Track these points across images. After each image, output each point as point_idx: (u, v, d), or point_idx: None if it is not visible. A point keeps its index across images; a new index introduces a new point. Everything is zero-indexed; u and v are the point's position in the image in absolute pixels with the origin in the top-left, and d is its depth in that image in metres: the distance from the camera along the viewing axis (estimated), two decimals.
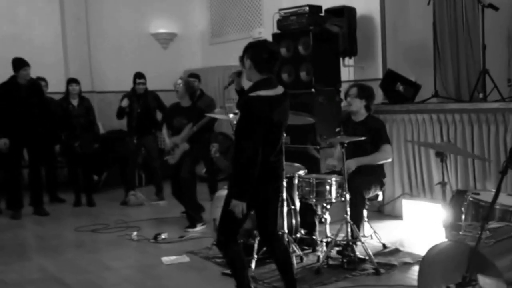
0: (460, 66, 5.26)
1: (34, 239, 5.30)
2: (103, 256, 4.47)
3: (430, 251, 2.76)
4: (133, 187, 6.80)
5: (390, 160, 4.44)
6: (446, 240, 3.26)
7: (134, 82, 6.59)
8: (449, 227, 3.48)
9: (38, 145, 6.13)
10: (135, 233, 5.02)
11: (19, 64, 5.89)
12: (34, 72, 6.17)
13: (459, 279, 2.50)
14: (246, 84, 3.14)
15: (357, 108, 4.34)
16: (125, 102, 6.49)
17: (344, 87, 5.71)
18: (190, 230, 5.12)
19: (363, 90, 4.37)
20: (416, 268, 3.70)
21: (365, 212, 4.22)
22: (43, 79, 6.73)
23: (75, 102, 6.55)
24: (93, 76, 8.10)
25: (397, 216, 5.32)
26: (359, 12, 5.92)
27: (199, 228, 5.16)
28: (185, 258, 4.26)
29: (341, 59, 5.83)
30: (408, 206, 5.18)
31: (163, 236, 4.85)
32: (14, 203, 6.08)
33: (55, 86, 7.14)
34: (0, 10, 7.49)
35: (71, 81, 6.62)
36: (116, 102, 6.77)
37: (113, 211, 6.24)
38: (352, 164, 4.09)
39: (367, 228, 4.29)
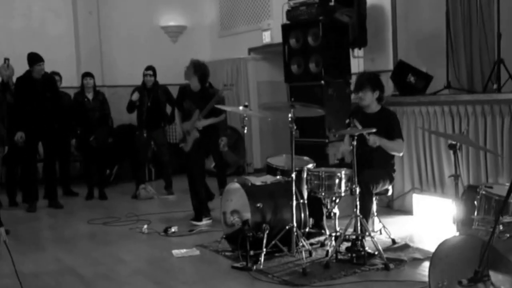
0: (474, 56, 5.11)
1: (49, 231, 5.38)
2: (115, 248, 4.51)
3: (442, 245, 2.69)
4: (143, 181, 6.79)
5: (400, 155, 4.32)
6: (458, 234, 3.19)
7: (144, 75, 6.58)
8: (461, 222, 3.40)
9: (53, 139, 6.19)
10: (145, 226, 5.02)
11: (34, 59, 5.93)
12: (47, 66, 6.20)
13: (471, 274, 2.43)
14: None
15: (369, 101, 4.20)
16: (135, 96, 6.49)
17: (354, 79, 5.64)
18: (195, 223, 5.08)
19: (375, 82, 4.19)
20: (426, 264, 3.63)
21: (374, 207, 4.14)
22: (58, 74, 6.78)
23: (90, 96, 6.58)
24: (104, 70, 8.11)
25: (406, 211, 5.23)
26: (369, 1, 5.79)
27: (204, 222, 5.11)
28: (195, 252, 4.26)
29: (350, 50, 5.73)
30: (418, 201, 5.09)
31: (173, 229, 4.85)
32: (29, 196, 6.16)
33: (67, 80, 7.17)
34: (15, 5, 7.54)
35: (86, 75, 6.66)
36: (126, 96, 6.77)
37: (124, 204, 6.27)
38: (376, 139, 3.96)
39: (376, 223, 4.22)
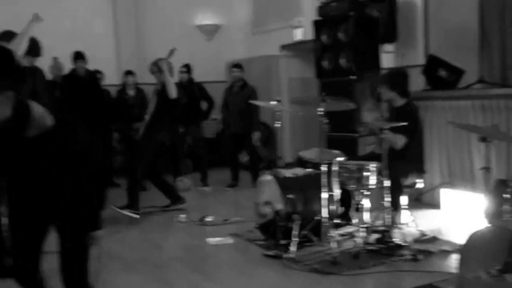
0: (508, 48, 4.94)
1: None
2: (154, 236, 4.63)
3: (471, 236, 2.65)
4: (180, 174, 6.91)
5: (395, 147, 4.05)
6: (488, 225, 3.13)
7: (179, 72, 6.70)
8: (491, 215, 3.34)
9: (95, 133, 6.36)
10: (183, 215, 5.12)
11: (75, 57, 6.30)
12: (90, 65, 6.42)
13: (500, 264, 2.40)
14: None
15: (388, 97, 4.19)
16: None
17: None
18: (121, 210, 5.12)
19: (392, 79, 4.19)
20: (454, 256, 3.60)
21: (403, 200, 4.09)
22: (100, 72, 6.98)
23: (131, 92, 6.75)
24: (142, 68, 8.25)
25: (435, 205, 5.12)
26: None
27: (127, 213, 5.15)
28: (229, 240, 4.33)
29: (381, 45, 5.65)
30: (447, 195, 4.98)
31: (208, 219, 4.93)
32: None
33: (109, 77, 7.36)
34: (61, 7, 7.73)
35: (127, 73, 6.87)
36: None
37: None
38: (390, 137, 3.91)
39: (405, 215, 4.16)
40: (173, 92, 5.30)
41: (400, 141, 4.04)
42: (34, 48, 4.30)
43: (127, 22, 8.20)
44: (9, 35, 3.80)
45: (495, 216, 3.39)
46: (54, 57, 6.39)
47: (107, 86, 7.13)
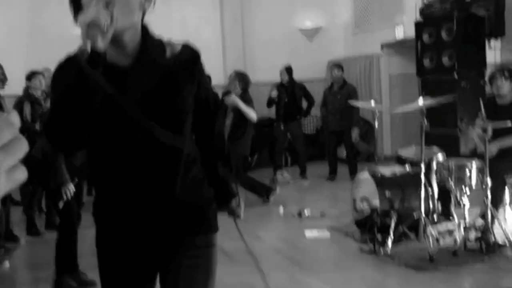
0: None
1: None
2: (254, 227, 4.77)
3: None
4: (280, 168, 7.12)
5: None
6: None
7: (280, 73, 6.91)
8: None
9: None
10: (281, 208, 5.30)
11: None
12: None
13: None
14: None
15: (507, 91, 4.01)
16: (274, 93, 6.85)
17: (490, 70, 5.32)
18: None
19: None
20: None
21: (507, 197, 3.93)
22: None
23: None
24: (246, 70, 8.61)
25: None
26: None
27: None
28: (326, 233, 4.40)
29: (486, 41, 5.40)
30: None
31: (306, 211, 5.03)
32: None
33: (216, 80, 7.81)
34: (174, 16, 8.29)
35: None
36: (265, 92, 7.18)
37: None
38: (493, 149, 3.80)
39: (507, 213, 3.99)
40: (253, 117, 5.35)
41: None
42: None
43: (233, 27, 8.57)
44: None
45: None
46: None
47: (214, 88, 7.57)
